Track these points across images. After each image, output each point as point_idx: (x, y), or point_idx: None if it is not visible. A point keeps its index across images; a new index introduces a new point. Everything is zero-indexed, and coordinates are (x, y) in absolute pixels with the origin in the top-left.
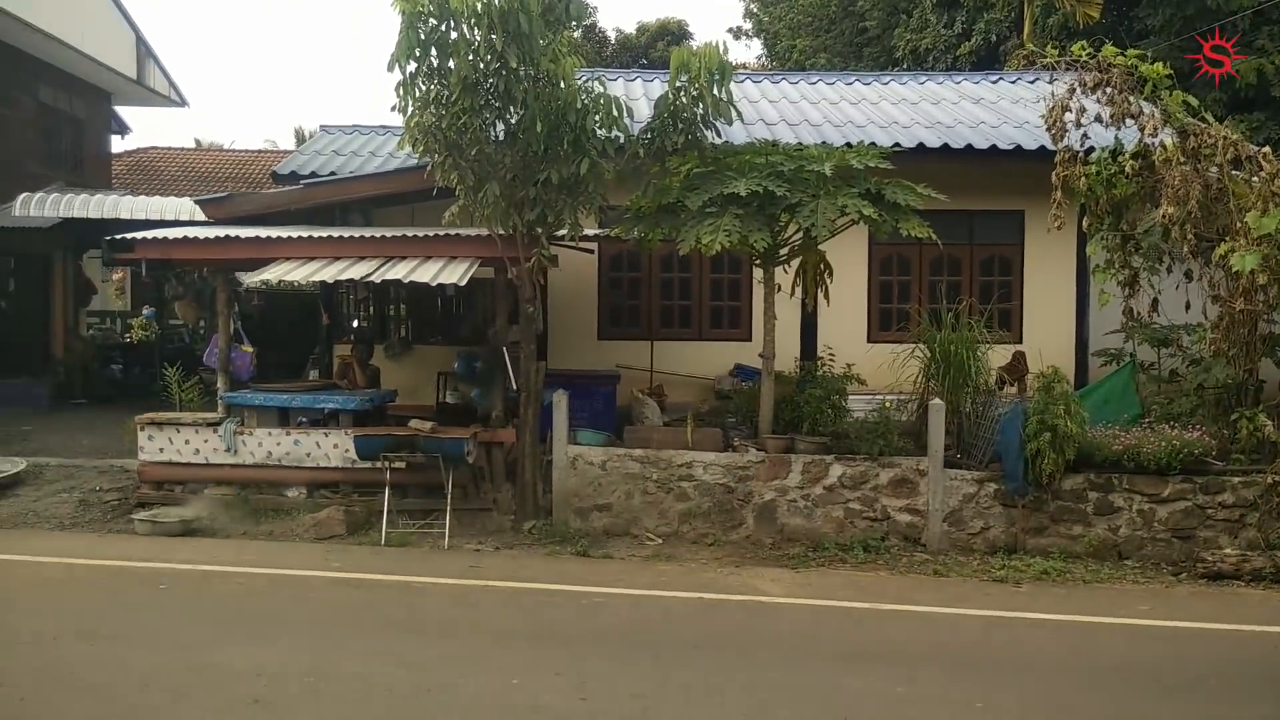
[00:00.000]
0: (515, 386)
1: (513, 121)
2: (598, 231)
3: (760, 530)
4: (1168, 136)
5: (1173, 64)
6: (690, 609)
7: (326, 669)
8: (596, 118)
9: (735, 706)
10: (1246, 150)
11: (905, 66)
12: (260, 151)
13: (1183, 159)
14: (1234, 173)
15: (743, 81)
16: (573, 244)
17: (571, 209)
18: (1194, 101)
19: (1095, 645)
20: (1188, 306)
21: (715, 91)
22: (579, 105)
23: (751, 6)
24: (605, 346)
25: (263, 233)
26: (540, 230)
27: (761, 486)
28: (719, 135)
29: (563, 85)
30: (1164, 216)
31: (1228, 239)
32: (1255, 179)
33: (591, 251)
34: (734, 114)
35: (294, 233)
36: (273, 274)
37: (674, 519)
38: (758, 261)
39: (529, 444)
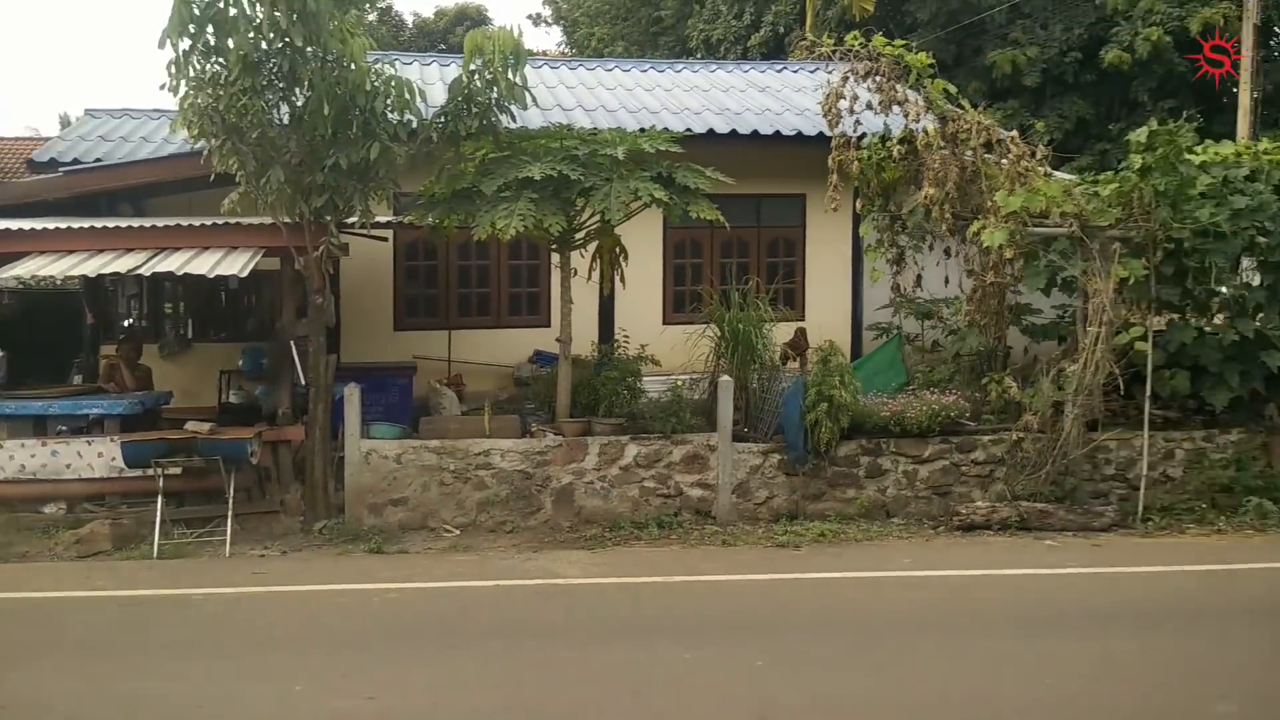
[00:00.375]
0: (305, 382)
1: (298, 104)
2: (391, 218)
3: (559, 514)
4: (930, 122)
5: (937, 54)
6: (486, 597)
7: (84, 694)
8: (388, 101)
9: (528, 691)
10: (997, 134)
11: (699, 56)
12: (19, 139)
13: (942, 143)
14: (986, 156)
15: (540, 67)
16: (365, 232)
17: (362, 195)
18: (953, 89)
19: (863, 598)
20: (946, 281)
21: (510, 75)
22: (369, 88)
23: None
24: (402, 337)
25: (14, 225)
26: (329, 217)
27: (559, 470)
28: (514, 120)
29: (352, 67)
30: (925, 197)
31: (980, 217)
32: (1004, 161)
33: (385, 239)
34: (529, 99)
35: (51, 224)
36: (25, 269)
37: (472, 509)
38: (554, 246)
39: (319, 441)
